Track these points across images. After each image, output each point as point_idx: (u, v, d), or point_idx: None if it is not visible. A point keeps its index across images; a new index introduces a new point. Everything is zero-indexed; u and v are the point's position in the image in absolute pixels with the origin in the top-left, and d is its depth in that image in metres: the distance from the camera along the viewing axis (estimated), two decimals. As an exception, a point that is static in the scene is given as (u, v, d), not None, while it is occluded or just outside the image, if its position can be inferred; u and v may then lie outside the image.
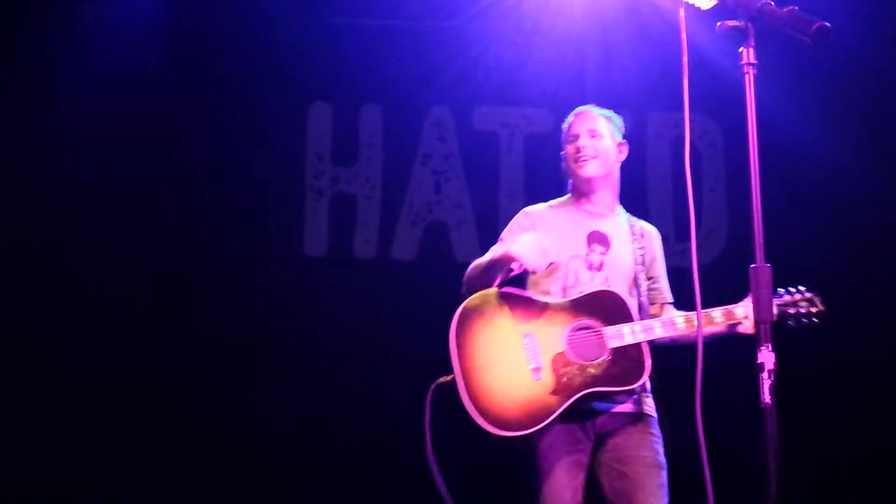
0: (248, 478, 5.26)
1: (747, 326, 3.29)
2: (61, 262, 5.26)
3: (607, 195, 3.59)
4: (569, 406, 3.24)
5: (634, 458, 3.35)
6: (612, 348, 3.29)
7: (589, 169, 3.51)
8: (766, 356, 2.21)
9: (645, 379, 3.28)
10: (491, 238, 3.56)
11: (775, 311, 3.11)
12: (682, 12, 2.51)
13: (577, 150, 3.52)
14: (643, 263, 3.53)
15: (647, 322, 3.36)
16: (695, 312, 3.22)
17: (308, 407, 5.30)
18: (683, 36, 2.51)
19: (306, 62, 5.49)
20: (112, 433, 5.16)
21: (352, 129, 5.70)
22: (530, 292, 3.46)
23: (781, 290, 3.33)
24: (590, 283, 3.45)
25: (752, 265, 2.32)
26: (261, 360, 5.38)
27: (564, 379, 3.25)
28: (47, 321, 5.23)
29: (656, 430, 3.44)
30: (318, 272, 5.57)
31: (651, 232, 3.65)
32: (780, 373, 2.25)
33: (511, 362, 3.29)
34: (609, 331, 3.31)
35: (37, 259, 5.24)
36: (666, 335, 3.33)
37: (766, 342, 2.23)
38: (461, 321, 3.35)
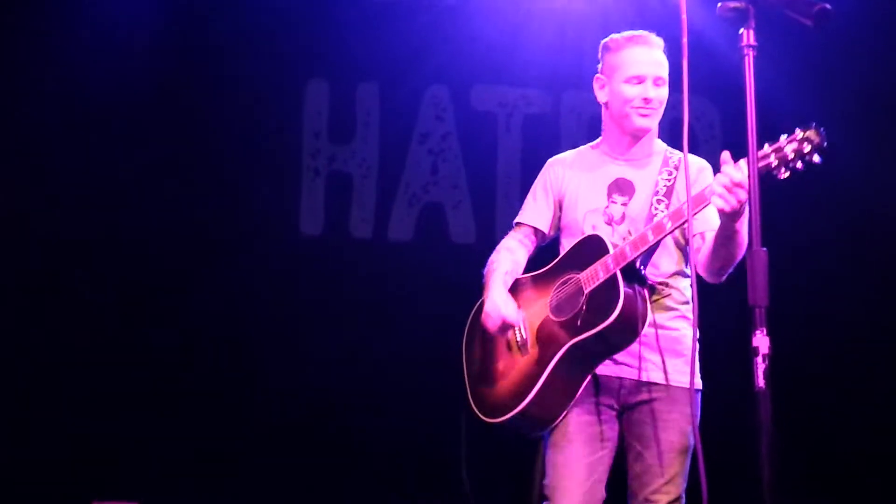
0: (244, 456, 5.26)
1: (716, 202, 2.70)
2: (55, 241, 5.25)
3: (649, 139, 3.16)
4: (555, 368, 2.93)
5: (655, 440, 3.01)
6: (588, 291, 2.94)
7: (650, 122, 3.11)
8: (761, 340, 2.20)
9: (618, 309, 2.84)
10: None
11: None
12: (682, -8, 2.49)
13: (646, 102, 3.07)
14: (666, 195, 3.04)
15: (619, 249, 2.93)
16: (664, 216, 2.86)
17: (303, 386, 5.30)
18: (684, 16, 2.49)
19: (303, 39, 5.46)
20: (107, 408, 5.16)
21: (348, 108, 5.67)
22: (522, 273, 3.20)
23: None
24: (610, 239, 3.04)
25: (749, 249, 2.29)
26: (256, 340, 5.38)
27: (548, 343, 2.99)
28: (44, 296, 5.22)
29: (689, 407, 3.00)
30: (314, 251, 5.56)
31: (691, 162, 3.03)
32: (775, 358, 2.24)
33: (505, 349, 3.14)
34: (584, 274, 2.97)
35: (36, 234, 5.23)
36: (639, 253, 2.90)
37: (762, 326, 2.22)
38: (468, 339, 3.26)
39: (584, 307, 2.92)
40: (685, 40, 2.50)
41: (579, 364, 2.97)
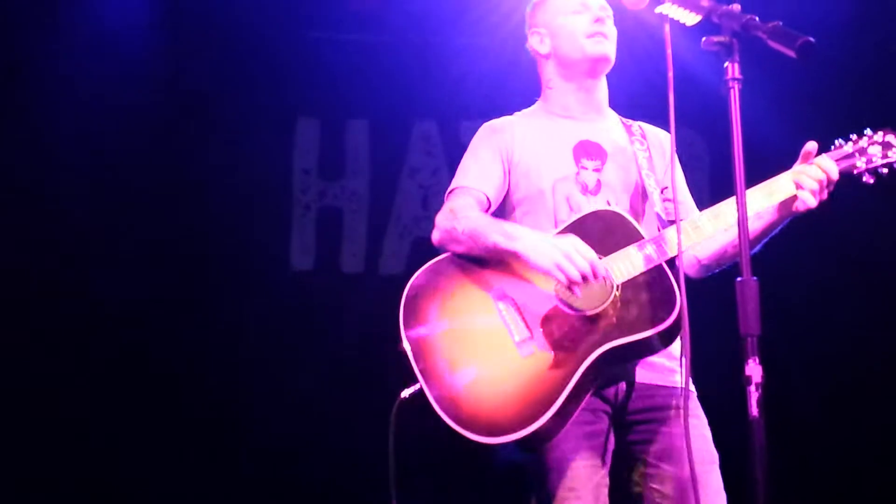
0: (235, 489, 5.24)
1: (806, 198, 2.51)
2: (44, 282, 5.25)
3: (601, 93, 2.87)
4: (582, 376, 2.41)
5: (683, 453, 2.46)
6: (621, 283, 2.49)
7: (607, 48, 2.77)
8: (754, 369, 2.19)
9: (677, 310, 2.41)
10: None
11: (840, 167, 2.52)
12: (667, 28, 2.52)
13: (598, 22, 2.77)
14: (650, 168, 2.75)
15: (660, 236, 2.56)
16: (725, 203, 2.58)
17: (294, 420, 5.29)
18: (669, 51, 2.51)
19: (293, 77, 5.50)
20: (101, 448, 5.16)
21: (338, 144, 5.71)
22: None
23: (839, 141, 2.65)
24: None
25: (739, 278, 2.28)
26: (247, 374, 5.37)
27: (566, 342, 2.45)
28: (39, 343, 5.20)
29: (700, 409, 2.64)
30: (305, 286, 5.57)
31: (657, 132, 2.89)
32: (769, 385, 2.24)
33: (488, 341, 2.50)
34: (613, 260, 2.52)
35: (26, 276, 5.23)
36: (692, 244, 2.59)
37: (754, 355, 2.21)
38: (409, 308, 2.57)
39: (621, 301, 2.46)
40: (671, 74, 2.53)
41: (601, 369, 2.48)
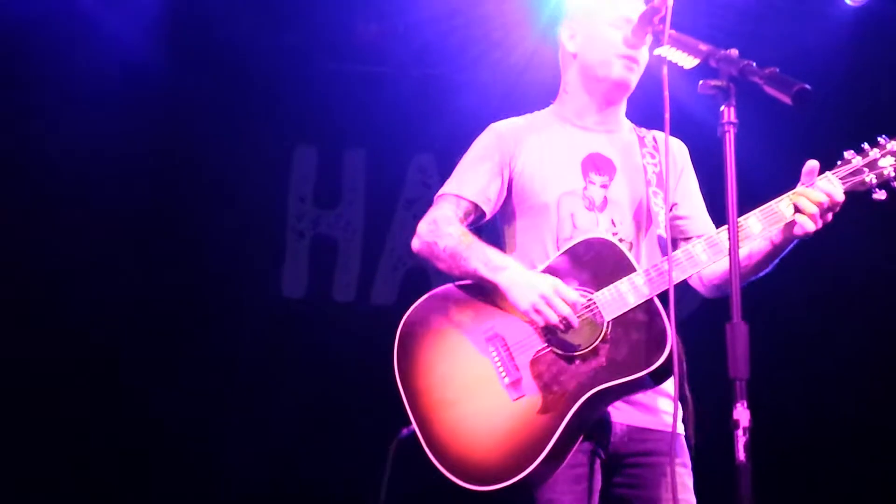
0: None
1: (804, 223, 2.38)
2: (43, 290, 5.24)
3: (620, 108, 2.77)
4: (570, 421, 2.34)
5: (666, 503, 2.45)
6: (611, 320, 2.40)
7: (634, 77, 2.67)
8: (742, 413, 2.18)
9: (669, 349, 2.31)
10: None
11: (845, 186, 2.39)
12: (665, 70, 2.53)
13: (633, 48, 2.64)
14: (658, 185, 2.64)
15: (655, 267, 2.44)
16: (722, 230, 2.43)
17: (282, 450, 5.27)
18: (666, 93, 2.52)
19: (292, 105, 5.52)
20: (88, 469, 5.14)
21: (335, 173, 5.72)
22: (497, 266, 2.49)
23: (849, 152, 2.50)
24: (594, 230, 2.57)
25: (729, 322, 2.26)
26: (236, 402, 5.35)
27: (555, 385, 2.38)
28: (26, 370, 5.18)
29: (687, 456, 2.54)
30: (296, 314, 5.55)
31: (671, 142, 2.62)
32: (757, 428, 2.23)
33: (478, 384, 2.44)
34: (602, 296, 2.42)
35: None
36: (685, 277, 2.46)
37: (742, 399, 2.20)
38: (402, 346, 2.53)
39: (611, 340, 2.38)
40: (668, 115, 2.53)
41: (591, 411, 2.41)
